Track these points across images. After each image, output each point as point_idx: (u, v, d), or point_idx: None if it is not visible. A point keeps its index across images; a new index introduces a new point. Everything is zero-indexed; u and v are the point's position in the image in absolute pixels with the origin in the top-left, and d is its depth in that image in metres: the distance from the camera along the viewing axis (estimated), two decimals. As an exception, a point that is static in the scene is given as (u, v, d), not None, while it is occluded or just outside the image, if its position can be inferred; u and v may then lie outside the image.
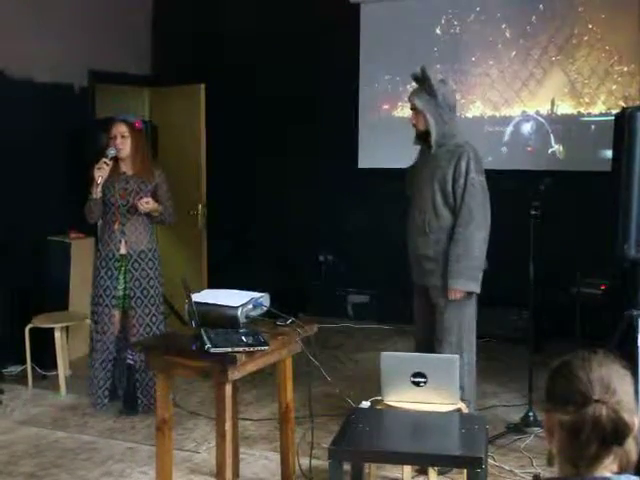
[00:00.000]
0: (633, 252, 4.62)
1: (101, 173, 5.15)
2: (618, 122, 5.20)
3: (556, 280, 6.30)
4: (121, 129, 5.27)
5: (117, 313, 5.37)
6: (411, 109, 4.64)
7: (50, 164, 6.81)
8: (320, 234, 7.96)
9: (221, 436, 3.57)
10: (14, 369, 6.25)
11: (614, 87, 6.25)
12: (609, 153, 6.07)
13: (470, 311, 4.59)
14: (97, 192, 5.20)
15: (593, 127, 6.48)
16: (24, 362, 6.03)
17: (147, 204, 5.21)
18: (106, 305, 5.31)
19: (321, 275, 8.01)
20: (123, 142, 5.26)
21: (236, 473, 4.28)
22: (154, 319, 5.36)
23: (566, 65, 6.45)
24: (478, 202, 4.45)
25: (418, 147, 4.78)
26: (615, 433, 1.66)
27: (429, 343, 4.62)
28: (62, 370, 5.86)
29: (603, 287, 6.23)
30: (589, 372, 1.71)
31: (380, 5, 7.58)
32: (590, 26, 6.31)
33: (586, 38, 6.35)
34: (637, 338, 4.41)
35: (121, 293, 5.33)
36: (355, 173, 7.81)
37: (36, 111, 6.70)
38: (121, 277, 5.31)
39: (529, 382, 4.97)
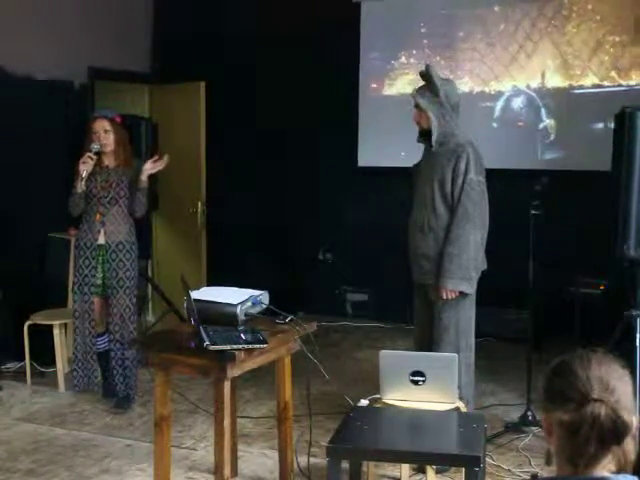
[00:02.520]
0: (632, 252, 4.62)
1: (86, 167, 5.26)
2: (618, 121, 5.20)
3: (555, 280, 6.30)
4: (103, 124, 5.39)
5: (97, 300, 5.46)
6: (414, 107, 4.63)
7: (50, 161, 6.81)
8: (319, 232, 7.96)
9: (219, 433, 3.57)
10: (13, 365, 6.25)
11: (606, 58, 6.11)
12: (601, 126, 6.04)
13: (468, 311, 4.58)
14: (81, 186, 5.31)
15: (585, 100, 6.32)
16: (23, 359, 6.04)
17: (150, 167, 5.31)
18: (85, 293, 5.41)
19: (320, 273, 8.01)
20: (106, 137, 5.38)
21: (234, 471, 4.28)
22: (127, 310, 5.45)
23: (556, 37, 6.29)
24: (475, 202, 4.44)
25: (421, 146, 4.78)
26: (614, 432, 1.66)
27: (428, 342, 4.62)
28: (61, 367, 5.86)
29: (602, 287, 6.24)
30: (588, 371, 1.71)
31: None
32: None
33: (576, 8, 6.22)
34: (636, 338, 4.42)
35: (100, 281, 5.43)
36: (355, 171, 7.80)
37: (36, 108, 6.70)
38: (99, 266, 5.41)
39: (528, 381, 4.97)
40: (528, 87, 6.82)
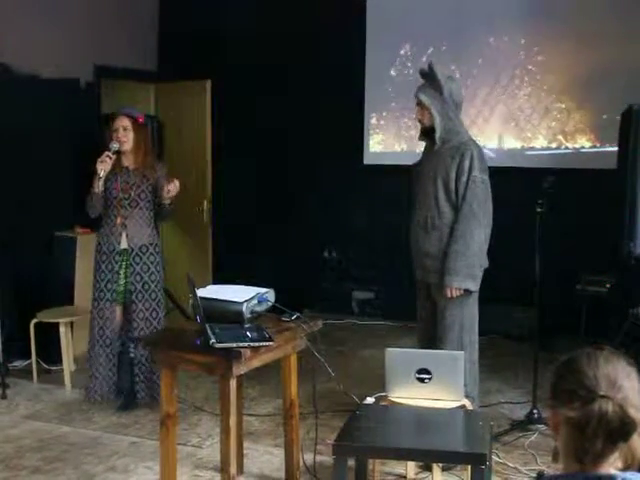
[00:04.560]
0: (638, 250, 4.62)
1: (103, 167, 5.13)
2: (624, 119, 5.19)
3: (561, 278, 6.29)
4: (124, 122, 5.28)
5: (118, 307, 5.38)
6: (417, 104, 4.62)
7: (56, 159, 6.81)
8: (325, 230, 7.97)
9: (225, 431, 3.58)
10: (19, 363, 6.26)
11: (553, 123, 6.66)
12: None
13: (471, 309, 4.58)
14: (99, 186, 5.18)
15: (536, 160, 6.81)
16: (29, 356, 6.04)
17: (174, 188, 5.20)
18: (107, 299, 5.32)
19: (326, 271, 8.01)
20: (126, 135, 5.27)
21: (240, 468, 4.28)
22: (154, 314, 5.37)
23: (510, 103, 6.81)
24: (480, 200, 4.44)
25: (423, 143, 4.78)
26: (621, 429, 1.66)
27: (431, 340, 4.62)
28: (67, 365, 5.88)
29: (608, 285, 6.22)
30: (595, 368, 1.71)
31: None
32: (530, 67, 6.74)
33: (527, 78, 6.78)
34: (642, 336, 4.41)
35: (122, 288, 5.34)
36: (361, 170, 7.81)
37: (42, 106, 6.69)
38: (122, 272, 5.32)
39: (534, 379, 4.97)
40: (485, 147, 6.89)
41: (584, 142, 6.60)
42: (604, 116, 6.52)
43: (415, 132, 6.85)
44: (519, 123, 6.86)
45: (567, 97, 6.66)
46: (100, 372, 5.38)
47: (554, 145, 6.69)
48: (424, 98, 4.54)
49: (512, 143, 6.91)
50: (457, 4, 6.99)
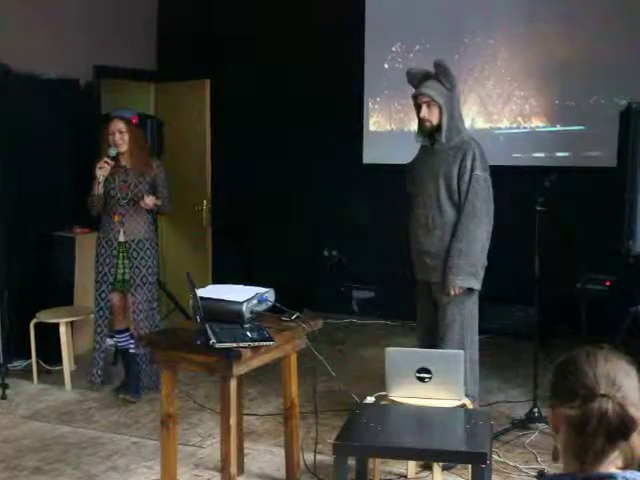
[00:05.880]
0: (638, 248, 4.62)
1: (102, 172, 5.38)
2: (624, 118, 5.20)
3: (561, 276, 6.29)
4: (118, 126, 5.44)
5: (115, 296, 5.61)
6: (423, 102, 4.52)
7: (55, 159, 6.82)
8: (325, 229, 7.96)
9: (226, 431, 3.58)
10: (19, 364, 6.26)
11: (514, 107, 7.60)
12: (516, 156, 7.41)
13: (472, 308, 4.58)
14: (99, 189, 5.42)
15: (501, 138, 7.64)
16: (29, 357, 6.05)
17: (150, 202, 5.43)
18: (106, 289, 5.56)
19: (326, 271, 8.00)
20: (121, 138, 5.44)
21: (241, 468, 4.28)
22: (152, 305, 5.61)
23: (480, 91, 7.70)
24: (482, 199, 4.43)
25: (413, 126, 4.75)
26: (621, 428, 1.66)
27: (432, 340, 4.62)
28: (67, 365, 5.88)
29: (608, 283, 6.22)
30: (595, 367, 1.71)
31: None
32: (497, 62, 7.63)
33: (494, 72, 7.69)
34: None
35: (120, 277, 5.58)
36: (361, 169, 7.80)
37: (42, 106, 6.70)
38: (120, 262, 5.55)
39: (534, 378, 4.97)
40: None
41: (538, 123, 7.46)
42: (556, 101, 7.31)
43: (403, 115, 7.72)
44: (487, 107, 7.73)
45: (526, 86, 7.47)
46: (101, 357, 5.67)
47: (515, 125, 7.55)
48: (436, 95, 4.45)
49: (482, 124, 7.75)
50: (439, 10, 7.72)
